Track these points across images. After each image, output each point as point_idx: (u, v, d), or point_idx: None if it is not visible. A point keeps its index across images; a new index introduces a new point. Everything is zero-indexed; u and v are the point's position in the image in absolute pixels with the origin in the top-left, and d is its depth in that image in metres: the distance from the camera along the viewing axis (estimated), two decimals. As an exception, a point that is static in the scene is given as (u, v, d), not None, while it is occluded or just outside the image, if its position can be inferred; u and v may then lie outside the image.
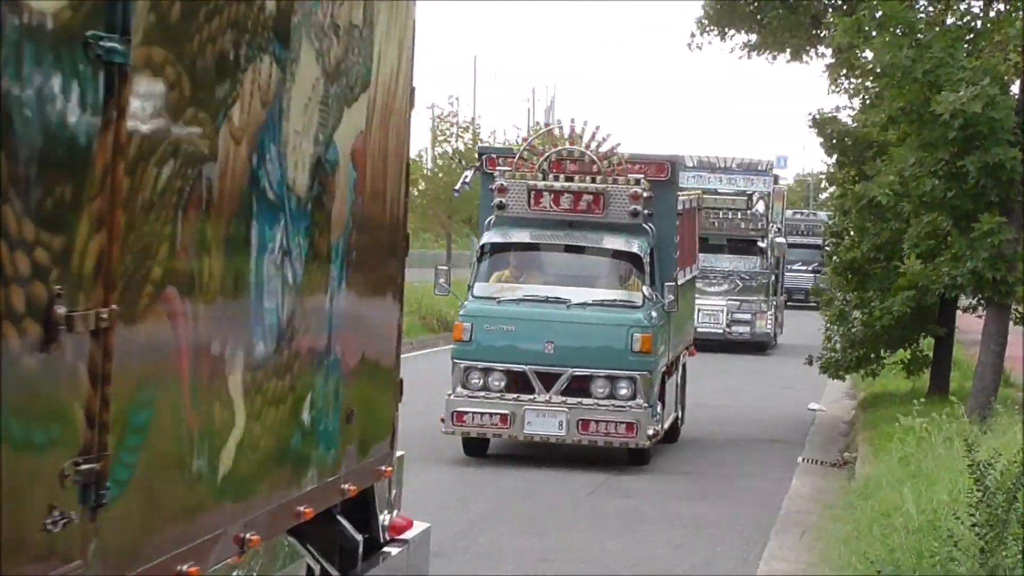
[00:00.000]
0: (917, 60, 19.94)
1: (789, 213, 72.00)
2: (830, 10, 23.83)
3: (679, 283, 21.22)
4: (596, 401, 19.38)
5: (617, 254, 20.59)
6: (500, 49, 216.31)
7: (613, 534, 15.62)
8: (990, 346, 20.86)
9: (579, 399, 19.32)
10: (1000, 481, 9.71)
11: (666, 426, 20.98)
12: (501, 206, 20.26)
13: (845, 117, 25.21)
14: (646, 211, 20.35)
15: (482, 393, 19.53)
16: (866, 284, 23.90)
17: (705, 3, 24.56)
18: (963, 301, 23.72)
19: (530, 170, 20.29)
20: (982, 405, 19.25)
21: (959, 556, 9.67)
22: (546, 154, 20.41)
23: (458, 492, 17.17)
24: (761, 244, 43.21)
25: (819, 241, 61.11)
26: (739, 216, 42.57)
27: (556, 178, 20.31)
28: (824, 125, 24.64)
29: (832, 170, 27.40)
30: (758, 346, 41.82)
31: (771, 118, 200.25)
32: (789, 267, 63.20)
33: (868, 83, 23.12)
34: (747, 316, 42.05)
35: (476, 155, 28.90)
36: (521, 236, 20.75)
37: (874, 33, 21.25)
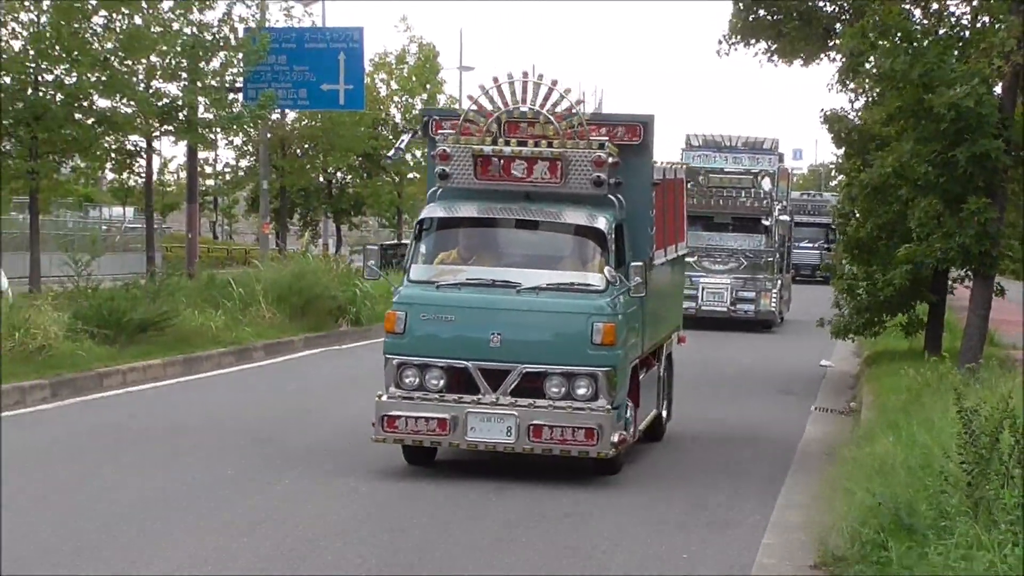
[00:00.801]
0: (914, 64, 19.98)
1: (796, 194, 67.73)
2: (839, 23, 23.74)
3: (659, 263, 16.96)
4: (551, 403, 14.72)
5: (578, 230, 15.73)
6: (554, 57, 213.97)
7: (657, 472, 15.70)
8: (976, 311, 20.88)
9: (531, 400, 14.70)
10: (984, 425, 9.73)
11: (642, 427, 16.46)
12: (444, 175, 15.69)
13: (851, 114, 25.11)
14: (612, 180, 15.66)
15: (418, 394, 14.89)
16: (870, 259, 23.90)
17: (732, 15, 24.50)
18: (953, 272, 23.72)
19: (478, 133, 15.61)
20: (969, 361, 19.25)
21: (949, 489, 9.66)
22: (495, 114, 15.72)
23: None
24: (766, 222, 38.47)
25: (825, 220, 60.80)
26: (744, 195, 38.58)
27: (507, 142, 15.60)
28: (833, 122, 24.63)
29: (840, 161, 27.31)
30: (763, 324, 37.84)
31: (788, 115, 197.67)
32: (797, 244, 57.81)
33: (870, 86, 22.98)
34: (751, 294, 37.61)
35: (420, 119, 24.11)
36: (466, 210, 15.97)
37: (877, 41, 21.28)
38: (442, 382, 14.86)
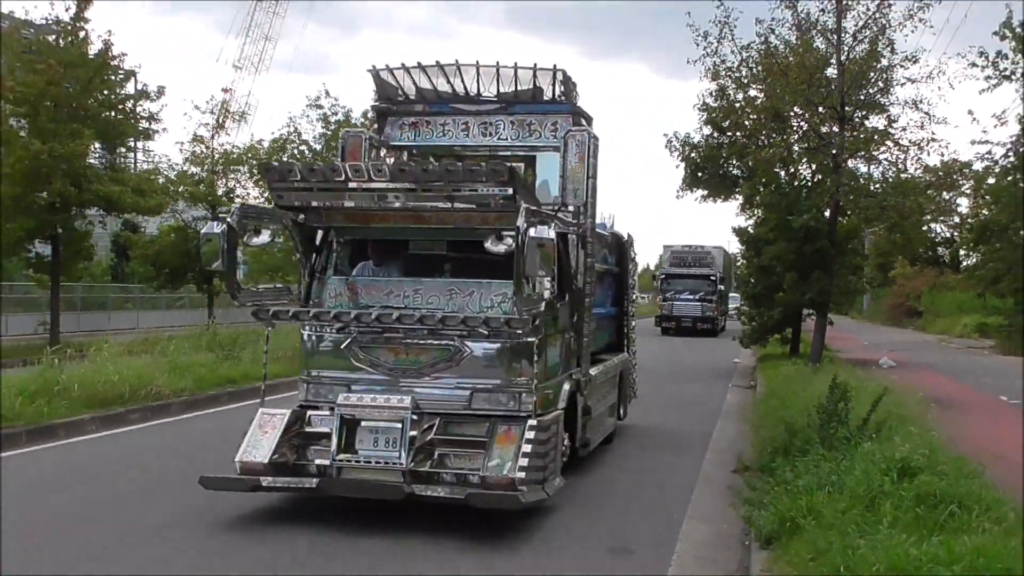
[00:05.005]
0: (782, 200, 20.10)
1: (679, 245, 41.15)
2: (741, 179, 23.81)
3: None
4: None
5: None
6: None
7: (652, 417, 14.03)
8: (818, 332, 20.82)
9: None
10: (830, 395, 9.14)
11: None
12: None
13: (749, 227, 25.10)
14: None
15: None
16: (760, 303, 23.81)
17: (683, 177, 24.56)
18: (804, 312, 23.59)
19: None
20: (815, 359, 19.20)
21: (809, 432, 9.03)
22: None
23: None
24: (498, 248, 7.11)
25: (707, 271, 39.43)
26: (492, 197, 6.90)
27: None
28: (738, 233, 24.68)
29: (743, 252, 27.27)
30: (489, 512, 7.06)
31: (712, 230, 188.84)
32: (676, 295, 38.01)
33: (760, 213, 23.04)
34: (477, 441, 7.36)
35: None
36: None
37: (761, 188, 21.40)
38: None
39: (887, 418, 9.17)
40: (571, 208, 9.14)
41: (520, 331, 7.55)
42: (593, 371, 9.95)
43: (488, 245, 7.44)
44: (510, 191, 7.24)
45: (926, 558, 5.42)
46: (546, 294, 8.00)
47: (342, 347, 8.08)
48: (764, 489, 8.09)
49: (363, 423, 7.56)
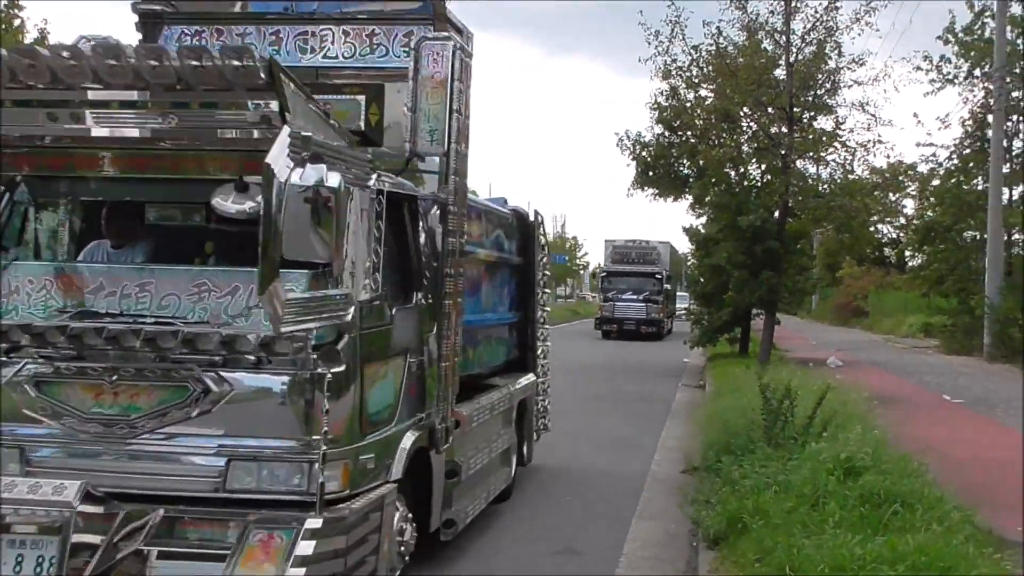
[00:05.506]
0: (732, 199, 20.17)
1: (621, 240, 35.62)
2: (691, 179, 23.88)
3: None
4: None
5: None
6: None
7: (600, 417, 14.19)
8: (766, 331, 20.96)
9: None
10: (774, 392, 9.48)
11: None
12: None
13: (699, 227, 25.19)
14: None
15: None
16: (710, 303, 23.87)
17: (634, 175, 24.58)
18: (754, 311, 23.74)
19: None
20: (764, 359, 19.31)
21: (755, 429, 9.05)
22: None
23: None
24: (240, 201, 4.14)
25: (653, 269, 34.55)
26: (239, 117, 3.97)
27: None
28: (689, 232, 24.79)
29: (693, 251, 27.35)
30: None
31: (663, 229, 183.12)
32: (619, 295, 33.82)
33: (710, 212, 23.11)
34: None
35: None
36: None
37: (711, 188, 21.48)
38: None
39: (833, 416, 9.18)
40: (431, 162, 5.87)
41: (288, 356, 4.34)
42: (467, 408, 6.65)
43: (217, 201, 4.44)
44: (274, 106, 4.16)
45: (870, 557, 5.42)
46: (365, 293, 4.82)
47: (9, 382, 4.69)
48: (712, 489, 8.10)
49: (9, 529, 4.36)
